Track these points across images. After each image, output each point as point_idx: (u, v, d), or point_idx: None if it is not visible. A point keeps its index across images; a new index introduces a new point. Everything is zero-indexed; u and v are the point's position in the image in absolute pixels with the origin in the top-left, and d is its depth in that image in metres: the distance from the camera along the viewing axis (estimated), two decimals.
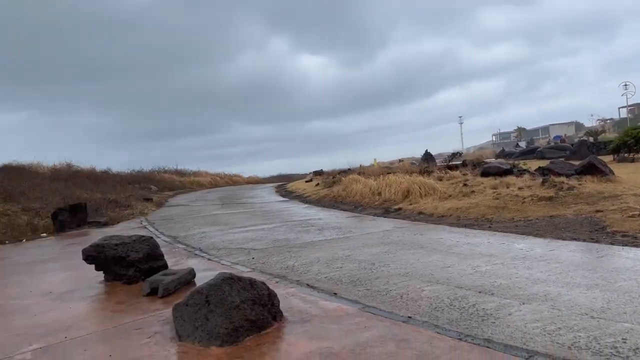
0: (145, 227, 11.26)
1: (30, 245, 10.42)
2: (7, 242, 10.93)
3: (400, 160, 27.26)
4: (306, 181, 24.17)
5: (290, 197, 18.90)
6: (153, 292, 5.06)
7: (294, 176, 41.32)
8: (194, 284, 5.41)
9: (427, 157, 24.17)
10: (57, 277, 6.59)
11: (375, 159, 28.40)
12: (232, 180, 40.08)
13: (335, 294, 4.81)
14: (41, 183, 17.93)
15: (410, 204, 11.71)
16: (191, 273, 5.48)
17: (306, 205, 15.37)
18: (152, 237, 6.08)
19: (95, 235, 10.57)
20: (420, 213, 10.78)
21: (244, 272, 5.78)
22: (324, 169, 28.45)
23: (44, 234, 11.62)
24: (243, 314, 3.73)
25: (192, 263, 6.56)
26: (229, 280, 3.88)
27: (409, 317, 4.03)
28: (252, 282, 4.00)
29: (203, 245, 8.23)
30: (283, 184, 28.16)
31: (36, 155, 43.40)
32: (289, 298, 4.65)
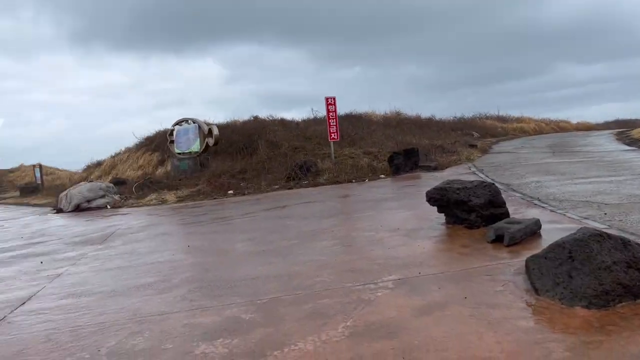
0: (475, 173, 11.25)
1: (371, 184, 11.69)
2: (353, 180, 12.56)
3: None
4: None
5: (638, 145, 16.05)
6: (497, 240, 4.92)
7: (637, 122, 35.16)
8: (540, 235, 5.06)
9: None
10: (400, 215, 7.14)
11: None
12: (559, 127, 36.71)
13: None
14: (376, 130, 19.89)
15: None
16: (537, 224, 5.12)
17: None
18: (493, 184, 5.93)
19: (426, 179, 11.13)
20: None
21: (598, 228, 5.09)
22: None
23: (382, 175, 12.88)
24: (615, 276, 3.23)
25: (532, 213, 6.16)
26: (597, 237, 3.40)
27: None
28: (625, 243, 3.42)
29: (541, 195, 7.67)
30: (624, 131, 24.18)
31: (370, 105, 48.56)
32: None
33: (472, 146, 18.29)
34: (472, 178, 9.55)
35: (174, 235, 8.14)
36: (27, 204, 18.43)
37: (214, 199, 12.76)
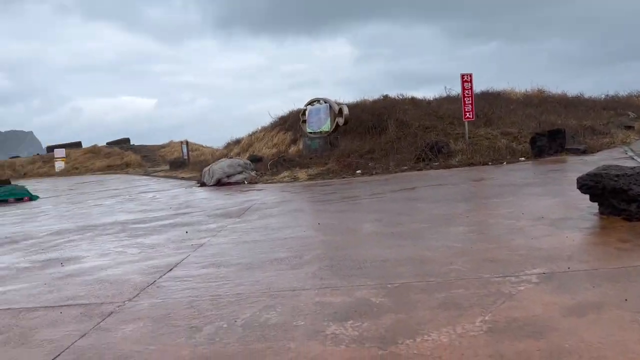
0: (633, 158, 9.99)
1: (510, 167, 10.95)
2: (489, 163, 11.86)
3: None
4: None
5: None
6: None
7: None
8: None
9: None
10: (544, 202, 6.56)
11: None
12: None
13: None
14: (515, 109, 18.55)
15: None
16: None
17: None
18: None
19: (574, 163, 10.15)
20: None
21: None
22: None
23: (522, 158, 12.00)
24: None
25: None
26: None
27: None
28: None
29: None
30: None
31: (508, 82, 45.42)
32: None
33: (629, 127, 16.30)
34: (629, 163, 8.48)
35: (305, 212, 8.35)
36: (175, 177, 20.22)
37: (343, 178, 12.88)
